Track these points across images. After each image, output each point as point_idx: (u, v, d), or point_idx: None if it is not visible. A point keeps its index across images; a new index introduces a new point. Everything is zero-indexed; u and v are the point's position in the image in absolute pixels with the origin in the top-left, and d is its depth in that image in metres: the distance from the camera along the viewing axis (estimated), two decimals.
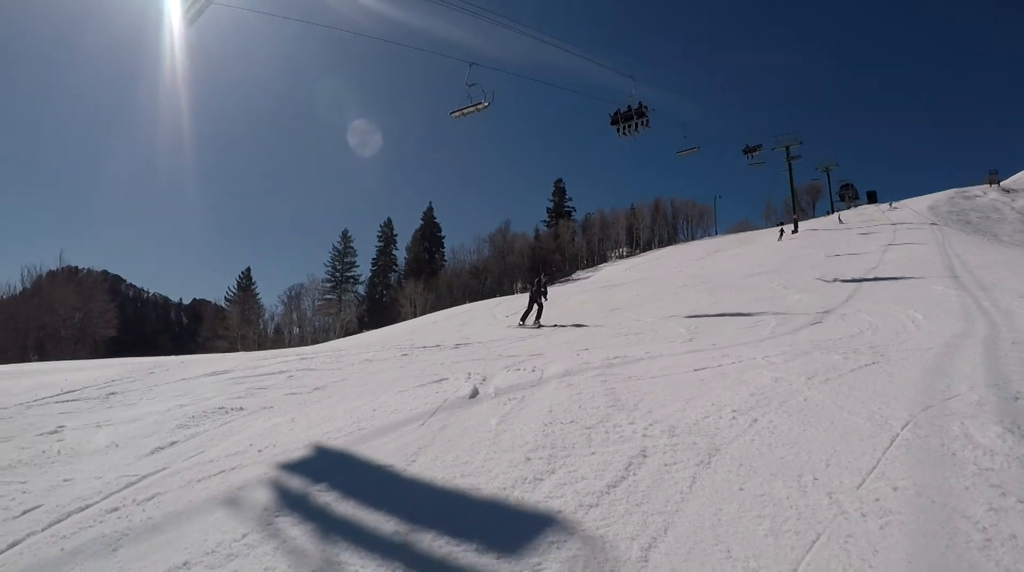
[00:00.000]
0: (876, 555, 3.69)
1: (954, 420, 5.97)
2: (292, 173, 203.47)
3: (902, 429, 5.81)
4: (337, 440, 6.82)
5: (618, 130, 28.21)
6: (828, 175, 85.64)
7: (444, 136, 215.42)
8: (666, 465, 5.34)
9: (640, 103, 27.79)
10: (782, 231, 53.25)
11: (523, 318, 23.07)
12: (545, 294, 23.07)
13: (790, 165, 69.00)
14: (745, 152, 43.68)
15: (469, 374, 10.21)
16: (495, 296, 68.91)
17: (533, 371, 10.14)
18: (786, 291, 24.20)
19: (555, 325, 21.24)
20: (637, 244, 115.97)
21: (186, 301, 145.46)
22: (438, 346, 16.13)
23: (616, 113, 28.19)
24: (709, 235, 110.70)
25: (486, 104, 22.38)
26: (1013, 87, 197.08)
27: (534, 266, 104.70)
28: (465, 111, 22.92)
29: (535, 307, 22.70)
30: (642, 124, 27.73)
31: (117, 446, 7.33)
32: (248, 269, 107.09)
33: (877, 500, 4.37)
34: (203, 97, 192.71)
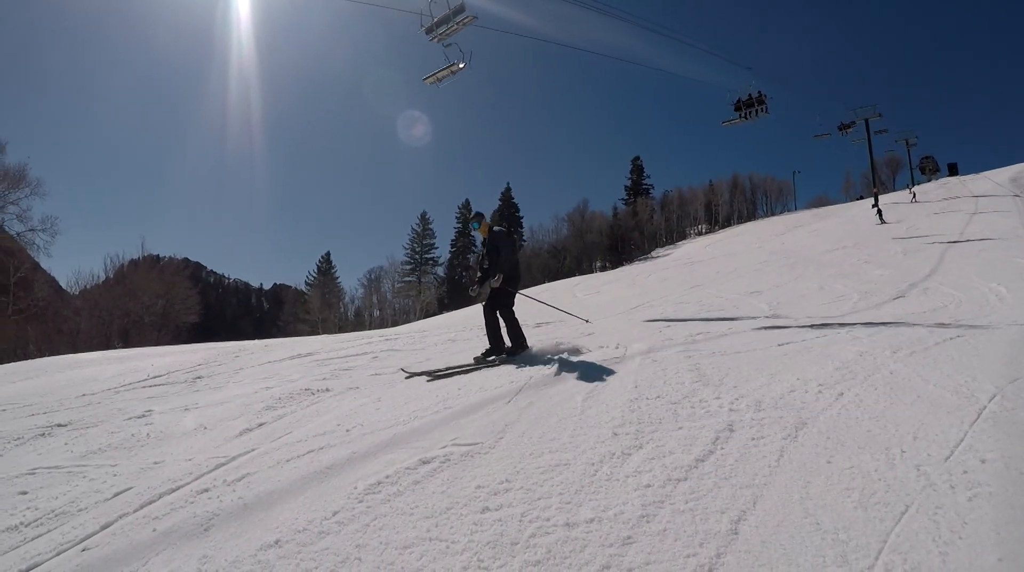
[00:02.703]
0: (965, 526, 3.68)
1: None
2: (369, 157, 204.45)
3: (989, 401, 5.76)
4: (424, 419, 6.91)
5: (740, 115, 29.81)
6: (908, 147, 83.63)
7: (520, 116, 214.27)
8: (753, 439, 5.36)
9: (760, 92, 29.49)
10: (879, 211, 50.01)
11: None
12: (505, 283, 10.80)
13: (869, 138, 67.58)
14: (840, 129, 43.28)
15: (553, 352, 10.21)
16: (574, 275, 68.68)
17: (616, 347, 10.14)
18: (867, 266, 23.84)
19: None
20: (716, 221, 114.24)
21: (267, 286, 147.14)
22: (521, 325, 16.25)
23: (738, 100, 29.77)
24: (788, 210, 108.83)
25: (462, 66, 21.42)
26: None
27: (613, 245, 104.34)
28: (439, 75, 21.89)
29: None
30: (762, 110, 29.16)
31: (205, 428, 7.57)
32: (328, 253, 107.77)
33: (965, 472, 4.35)
34: (276, 84, 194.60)
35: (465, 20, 21.40)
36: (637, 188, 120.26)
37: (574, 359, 9.50)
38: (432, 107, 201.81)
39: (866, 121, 65.64)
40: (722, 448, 5.21)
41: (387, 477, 5.09)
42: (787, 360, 8.26)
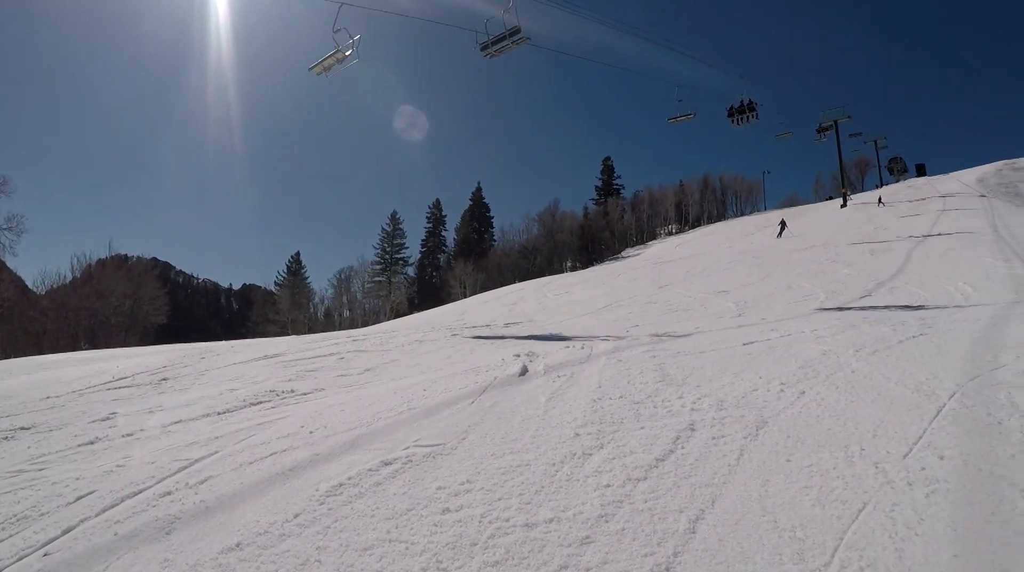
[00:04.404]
0: (921, 523, 3.72)
1: (1001, 389, 5.99)
2: (340, 157, 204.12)
3: (949, 399, 5.83)
4: (387, 420, 6.88)
5: (733, 121, 31.54)
6: (877, 148, 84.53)
7: (492, 116, 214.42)
8: (714, 438, 5.38)
9: (751, 100, 30.91)
10: (782, 226, 51.43)
11: None
12: None
13: (839, 139, 68.24)
14: (819, 131, 44.44)
15: (518, 352, 10.23)
16: (544, 275, 68.82)
17: (582, 348, 10.16)
18: (835, 265, 24.09)
19: None
20: (686, 221, 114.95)
21: (236, 286, 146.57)
22: (488, 326, 16.26)
23: (731, 108, 31.37)
24: (759, 210, 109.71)
25: (348, 53, 19.92)
26: None
27: (584, 245, 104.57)
28: (325, 63, 20.44)
29: None
30: (752, 116, 30.61)
31: (169, 431, 7.47)
32: (298, 253, 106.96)
33: (923, 469, 4.40)
34: (249, 84, 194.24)
35: (519, 40, 21.01)
36: (608, 188, 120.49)
37: (540, 359, 9.50)
38: (400, 107, 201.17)
39: (835, 122, 66.23)
40: (683, 447, 5.24)
41: (349, 479, 5.07)
42: (751, 359, 8.30)
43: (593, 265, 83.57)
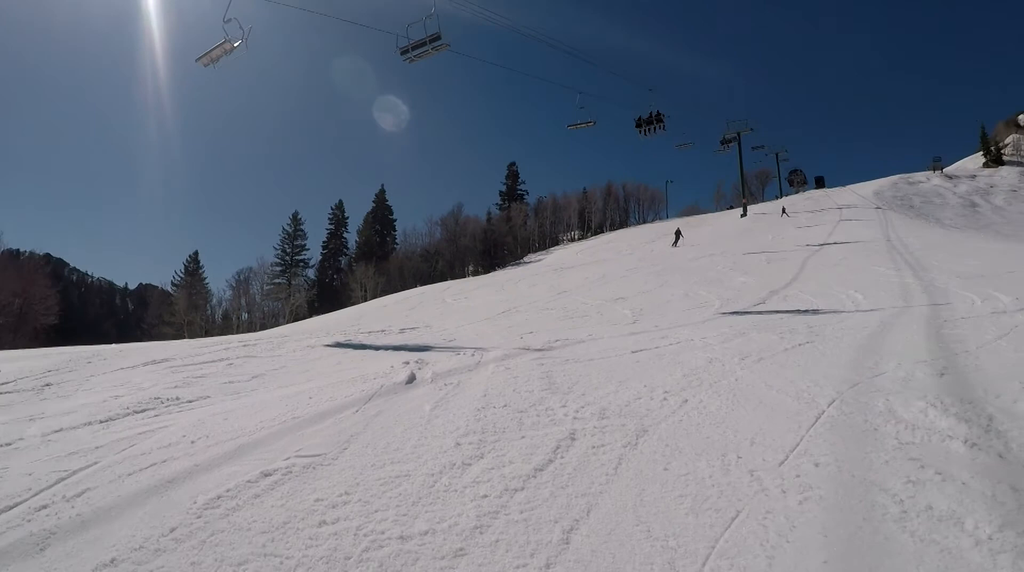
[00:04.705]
0: (793, 530, 3.76)
1: (879, 396, 6.12)
2: (242, 155, 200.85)
3: (828, 406, 5.94)
4: (270, 429, 6.71)
5: (641, 131, 32.06)
6: (778, 161, 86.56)
7: (397, 118, 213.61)
8: (594, 448, 5.37)
9: (659, 111, 31.99)
10: (678, 234, 53.09)
11: None
12: None
13: (740, 151, 69.59)
14: (638, 126, 45.67)
15: (408, 360, 10.14)
16: (446, 280, 68.80)
17: (472, 355, 10.17)
18: (732, 273, 24.50)
19: None
20: (589, 227, 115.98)
21: (132, 286, 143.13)
22: (383, 331, 16.08)
23: (639, 118, 32.19)
24: (660, 218, 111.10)
25: (236, 44, 19.08)
26: (953, 78, 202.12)
27: (486, 250, 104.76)
28: (213, 55, 19.49)
29: None
30: (660, 127, 31.44)
31: (50, 440, 7.18)
32: (196, 252, 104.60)
33: (798, 476, 4.46)
34: (146, 75, 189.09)
35: (439, 47, 20.79)
36: (512, 193, 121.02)
37: (429, 367, 9.42)
38: (305, 106, 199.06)
39: (738, 135, 67.45)
40: (562, 457, 5.22)
41: (227, 491, 4.92)
42: (639, 367, 8.36)
43: (495, 270, 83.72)
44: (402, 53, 21.37)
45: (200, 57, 19.50)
